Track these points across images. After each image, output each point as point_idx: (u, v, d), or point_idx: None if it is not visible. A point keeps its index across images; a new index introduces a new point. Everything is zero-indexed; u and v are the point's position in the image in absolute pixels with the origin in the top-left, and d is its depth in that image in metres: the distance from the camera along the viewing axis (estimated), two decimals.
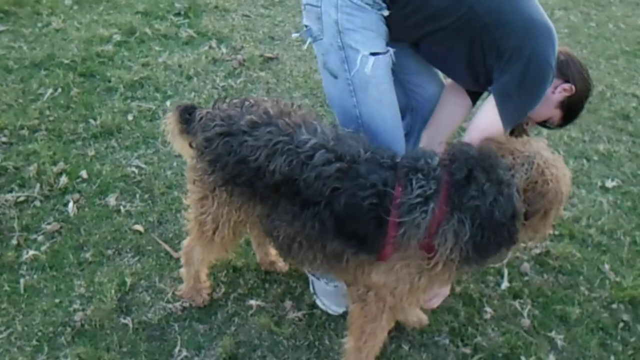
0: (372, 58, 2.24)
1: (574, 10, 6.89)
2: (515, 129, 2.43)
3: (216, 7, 5.31)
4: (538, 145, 2.04)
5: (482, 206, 1.88)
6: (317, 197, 1.94)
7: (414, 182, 1.91)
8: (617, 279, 3.06)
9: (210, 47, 4.61)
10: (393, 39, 2.36)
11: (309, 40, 2.40)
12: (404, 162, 1.99)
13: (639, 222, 3.53)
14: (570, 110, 2.48)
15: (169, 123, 2.33)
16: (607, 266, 3.12)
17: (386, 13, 2.26)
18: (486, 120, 2.22)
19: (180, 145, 2.34)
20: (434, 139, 2.52)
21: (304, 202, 1.97)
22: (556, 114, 2.49)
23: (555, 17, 6.52)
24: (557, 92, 2.40)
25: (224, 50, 4.59)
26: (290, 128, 2.00)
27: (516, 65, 2.18)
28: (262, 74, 4.38)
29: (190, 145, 2.20)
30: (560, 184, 1.96)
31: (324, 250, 2.04)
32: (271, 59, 4.60)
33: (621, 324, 2.82)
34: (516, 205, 1.89)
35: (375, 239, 1.96)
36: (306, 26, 2.39)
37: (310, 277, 2.62)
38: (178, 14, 5.09)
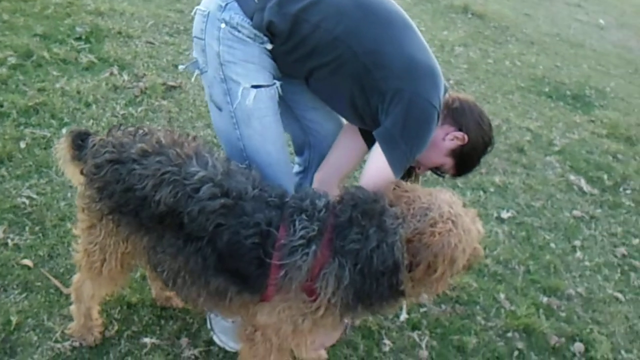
0: (254, 90, 2.24)
1: (473, 47, 7.20)
2: (407, 174, 2.42)
3: (119, 32, 5.18)
4: (443, 198, 1.99)
5: (362, 251, 1.86)
6: (200, 232, 1.90)
7: (297, 223, 1.88)
8: (512, 308, 3.16)
9: (112, 73, 4.47)
10: (285, 74, 2.35)
11: (197, 72, 2.38)
12: (291, 202, 1.97)
13: (532, 251, 3.68)
14: (463, 160, 2.43)
15: (61, 149, 2.25)
16: (502, 295, 3.23)
17: (269, 46, 2.26)
18: (375, 166, 2.20)
19: (71, 172, 2.27)
20: (325, 181, 2.52)
21: (188, 236, 1.93)
22: (448, 162, 2.44)
23: (455, 53, 6.80)
24: (447, 139, 2.36)
25: (125, 77, 4.47)
26: (180, 159, 1.96)
27: (397, 108, 2.15)
28: (164, 102, 4.29)
29: (81, 172, 2.13)
30: (452, 238, 1.88)
31: (208, 287, 1.99)
32: (174, 87, 4.52)
33: (516, 352, 2.91)
34: (396, 255, 1.85)
35: (258, 279, 1.93)
36: (194, 58, 2.37)
37: (207, 313, 2.55)
38: (79, 39, 4.92)
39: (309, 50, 2.23)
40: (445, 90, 2.37)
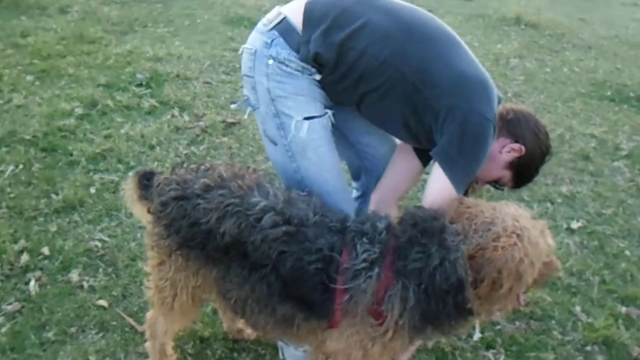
0: (307, 122, 2.26)
1: (528, 57, 7.10)
2: (468, 189, 2.39)
3: (177, 75, 5.37)
4: (507, 211, 1.95)
5: (424, 270, 1.85)
6: (264, 260, 1.93)
7: (358, 246, 1.89)
8: (589, 320, 3.05)
9: (173, 115, 4.63)
10: (336, 103, 2.38)
11: (249, 109, 2.43)
12: (352, 226, 1.98)
13: (606, 261, 3.56)
14: (521, 171, 2.40)
15: (128, 189, 2.33)
16: (578, 308, 3.13)
17: (318, 77, 2.28)
18: (437, 186, 2.19)
19: (139, 212, 2.34)
20: (382, 202, 2.52)
21: (252, 264, 1.96)
22: (506, 175, 2.41)
23: (511, 65, 6.72)
24: (504, 151, 2.33)
25: (186, 118, 4.62)
26: (242, 190, 2.00)
27: (452, 125, 2.14)
28: (225, 139, 4.40)
29: (149, 211, 2.20)
30: (516, 252, 1.84)
31: (275, 315, 2.01)
32: (233, 124, 4.63)
33: None
34: (459, 272, 1.83)
35: (324, 305, 1.94)
36: (245, 96, 2.43)
37: (279, 343, 2.57)
38: (140, 85, 5.13)
39: (357, 76, 2.24)
40: (499, 102, 2.35)
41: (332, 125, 2.38)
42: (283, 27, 2.29)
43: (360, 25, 2.23)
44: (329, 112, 2.34)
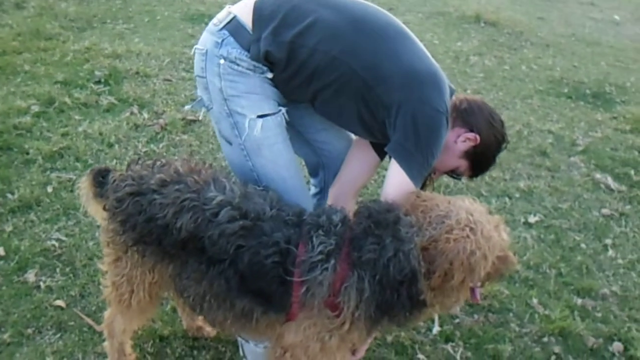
0: (260, 120, 2.27)
1: (488, 55, 7.19)
2: (425, 181, 2.42)
3: (137, 73, 5.30)
4: (462, 205, 1.97)
5: (379, 261, 1.87)
6: (221, 255, 1.93)
7: (314, 239, 1.90)
8: (546, 312, 3.12)
9: (132, 113, 4.57)
10: (291, 100, 2.39)
11: (203, 110, 2.44)
12: (308, 219, 1.99)
13: (563, 254, 3.63)
14: (478, 160, 2.43)
15: (83, 187, 2.31)
16: (535, 300, 3.19)
17: (270, 75, 2.28)
18: (395, 180, 2.20)
19: (94, 210, 2.32)
20: (340, 196, 2.54)
21: (210, 259, 1.96)
22: (462, 164, 2.44)
23: (471, 62, 6.80)
24: (459, 141, 2.37)
25: (145, 115, 4.56)
26: (198, 185, 2.00)
27: (404, 119, 2.16)
28: (185, 137, 4.37)
29: (104, 208, 2.18)
30: (468, 245, 1.86)
31: (233, 309, 2.02)
32: (193, 121, 4.60)
33: (553, 357, 2.87)
34: (412, 263, 1.85)
35: (281, 298, 1.95)
36: (199, 97, 2.43)
37: (240, 340, 2.56)
38: (98, 82, 5.05)
39: (309, 74, 2.25)
40: (452, 93, 2.37)
41: (288, 122, 2.38)
42: (233, 26, 2.29)
43: (310, 23, 2.23)
44: (283, 109, 2.34)
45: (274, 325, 2.06)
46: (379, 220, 1.92)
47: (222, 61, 2.26)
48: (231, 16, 2.31)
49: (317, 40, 2.22)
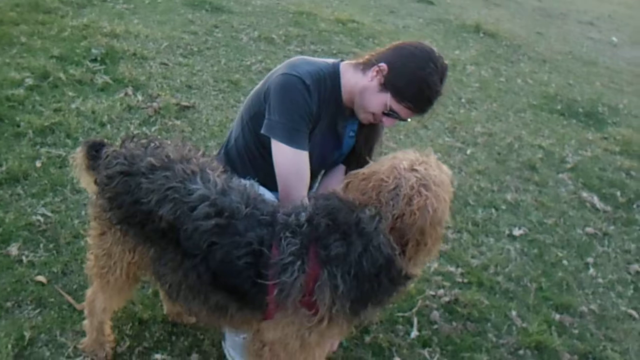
0: None
1: (485, 65, 7.23)
2: (370, 136, 2.56)
3: (134, 54, 5.27)
4: (404, 166, 1.91)
5: (348, 257, 1.86)
6: (195, 250, 1.92)
7: (283, 240, 1.89)
8: (524, 325, 3.14)
9: (126, 94, 4.54)
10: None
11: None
12: (280, 219, 1.97)
13: (544, 268, 3.66)
14: (397, 87, 2.32)
15: (77, 158, 2.29)
16: (514, 312, 3.21)
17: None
18: (275, 153, 2.35)
19: (86, 182, 2.30)
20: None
21: (185, 252, 1.95)
22: (386, 98, 2.35)
23: (467, 72, 6.83)
24: (371, 76, 2.36)
25: (139, 97, 4.54)
26: (185, 175, 1.99)
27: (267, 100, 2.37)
28: (178, 122, 4.35)
29: (95, 182, 2.17)
30: (430, 206, 1.84)
31: (208, 303, 2.01)
32: (187, 107, 4.58)
33: None
34: (384, 252, 1.85)
35: (256, 297, 1.94)
36: None
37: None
38: (94, 60, 5.02)
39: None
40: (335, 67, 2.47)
41: None
42: None
43: None
44: None
45: (250, 321, 2.05)
46: (337, 218, 1.90)
47: None
48: None
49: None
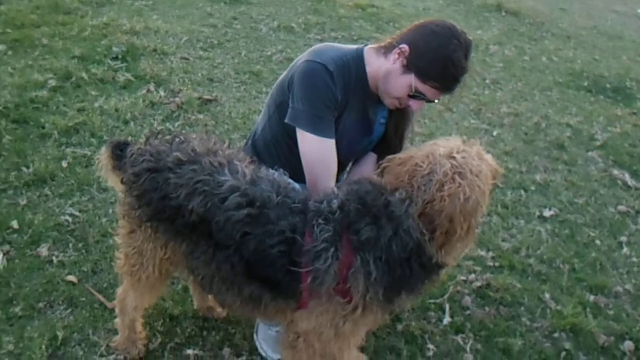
0: None
1: (508, 45, 7.12)
2: (400, 123, 2.52)
3: (155, 50, 5.28)
4: (442, 153, 1.87)
5: (379, 242, 1.84)
6: (228, 241, 1.91)
7: (316, 228, 1.87)
8: (558, 308, 3.09)
9: (149, 90, 4.56)
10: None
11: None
12: (312, 206, 1.96)
13: (577, 249, 3.60)
14: (420, 67, 2.27)
15: (103, 159, 2.30)
16: (547, 295, 3.16)
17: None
18: (300, 142, 2.34)
19: (113, 182, 2.31)
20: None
21: (217, 244, 1.94)
22: (411, 80, 2.29)
23: (491, 52, 6.72)
24: (394, 60, 2.31)
25: (162, 93, 4.55)
26: (213, 168, 1.97)
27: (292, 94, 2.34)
28: (201, 116, 4.35)
29: (122, 181, 2.17)
30: (462, 194, 1.79)
31: (242, 294, 2.00)
32: (210, 101, 4.58)
33: (564, 353, 2.83)
34: (414, 236, 1.82)
35: (290, 286, 1.92)
36: None
37: (258, 320, 2.56)
38: (116, 58, 5.04)
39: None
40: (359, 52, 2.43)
41: None
42: None
43: None
44: None
45: (285, 311, 2.04)
46: (367, 202, 1.88)
47: None
48: None
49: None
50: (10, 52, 4.89)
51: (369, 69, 2.40)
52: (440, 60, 2.24)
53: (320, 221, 1.88)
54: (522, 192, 4.12)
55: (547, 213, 3.91)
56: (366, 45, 2.48)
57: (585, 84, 6.33)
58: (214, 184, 1.93)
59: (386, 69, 2.34)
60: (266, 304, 2.01)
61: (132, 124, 4.12)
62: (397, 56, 2.31)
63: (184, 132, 4.10)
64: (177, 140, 2.12)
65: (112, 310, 2.59)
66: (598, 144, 5.02)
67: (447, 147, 1.91)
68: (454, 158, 1.86)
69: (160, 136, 2.17)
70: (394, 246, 1.83)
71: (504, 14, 8.37)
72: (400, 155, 1.99)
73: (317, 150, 2.31)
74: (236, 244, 1.91)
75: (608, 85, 6.37)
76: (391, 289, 1.89)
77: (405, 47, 2.29)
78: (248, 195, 1.91)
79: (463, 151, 1.89)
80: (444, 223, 1.83)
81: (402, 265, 1.85)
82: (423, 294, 2.22)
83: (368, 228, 1.85)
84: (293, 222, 1.90)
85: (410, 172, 1.89)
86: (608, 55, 7.44)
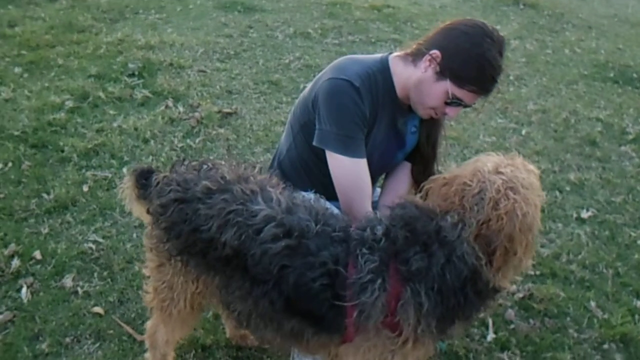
0: None
1: (529, 38, 6.96)
2: (432, 129, 2.42)
3: (171, 64, 5.20)
4: (488, 169, 1.77)
5: (430, 271, 1.72)
6: (265, 275, 1.79)
7: (360, 258, 1.75)
8: (605, 316, 2.94)
9: (167, 106, 4.47)
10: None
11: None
12: (354, 234, 1.83)
13: (619, 251, 3.45)
14: (456, 71, 2.14)
15: (125, 188, 2.20)
16: (593, 303, 3.02)
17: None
18: (331, 165, 2.24)
19: (138, 211, 2.21)
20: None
21: (254, 278, 1.82)
22: (446, 86, 2.16)
23: (511, 47, 6.56)
24: (425, 67, 2.18)
25: (180, 109, 4.45)
26: (245, 196, 1.86)
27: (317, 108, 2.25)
28: (222, 130, 4.24)
29: (148, 212, 2.07)
30: (519, 210, 1.68)
31: (282, 330, 1.88)
32: (230, 114, 4.48)
33: None
34: (469, 262, 1.70)
35: (334, 320, 1.80)
36: None
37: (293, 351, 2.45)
38: (132, 75, 4.96)
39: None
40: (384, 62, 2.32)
41: None
42: None
43: None
44: None
45: (328, 345, 1.93)
46: (417, 228, 1.76)
47: None
48: None
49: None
50: (26, 74, 4.84)
51: (396, 79, 2.28)
52: (475, 61, 2.12)
53: (365, 250, 1.76)
54: (557, 193, 3.97)
55: (585, 214, 3.76)
56: (390, 53, 2.35)
57: (611, 75, 6.16)
58: (247, 213, 1.82)
59: (417, 77, 2.22)
60: (308, 339, 1.89)
61: (151, 142, 4.02)
62: (427, 63, 2.18)
63: (205, 148, 4.01)
64: (205, 167, 2.01)
65: (142, 343, 2.49)
66: (630, 137, 4.85)
67: (492, 162, 1.80)
68: (502, 173, 1.75)
69: (186, 162, 2.07)
70: (447, 274, 1.71)
71: (521, 6, 8.20)
72: (445, 175, 1.88)
73: (350, 172, 2.20)
74: (274, 278, 1.79)
75: (635, 75, 6.20)
76: (444, 320, 1.77)
77: (436, 52, 2.16)
78: (284, 225, 1.79)
79: (509, 165, 1.79)
80: (503, 243, 1.71)
81: (456, 294, 1.73)
82: (475, 320, 2.10)
83: (418, 257, 1.72)
84: (334, 252, 1.78)
85: (458, 192, 1.78)
86: (632, 44, 7.25)
